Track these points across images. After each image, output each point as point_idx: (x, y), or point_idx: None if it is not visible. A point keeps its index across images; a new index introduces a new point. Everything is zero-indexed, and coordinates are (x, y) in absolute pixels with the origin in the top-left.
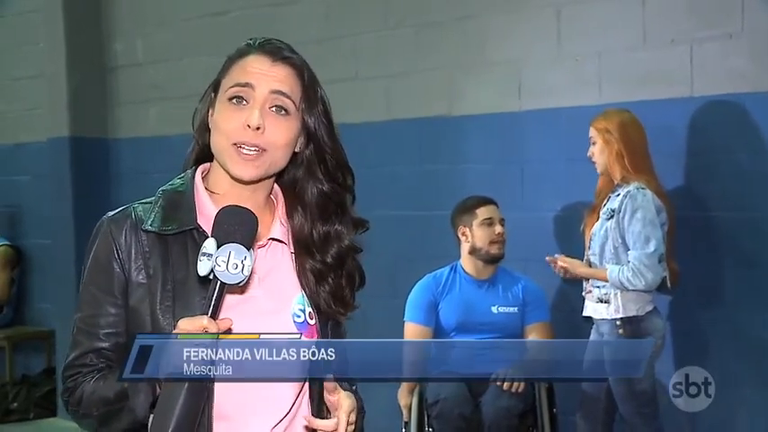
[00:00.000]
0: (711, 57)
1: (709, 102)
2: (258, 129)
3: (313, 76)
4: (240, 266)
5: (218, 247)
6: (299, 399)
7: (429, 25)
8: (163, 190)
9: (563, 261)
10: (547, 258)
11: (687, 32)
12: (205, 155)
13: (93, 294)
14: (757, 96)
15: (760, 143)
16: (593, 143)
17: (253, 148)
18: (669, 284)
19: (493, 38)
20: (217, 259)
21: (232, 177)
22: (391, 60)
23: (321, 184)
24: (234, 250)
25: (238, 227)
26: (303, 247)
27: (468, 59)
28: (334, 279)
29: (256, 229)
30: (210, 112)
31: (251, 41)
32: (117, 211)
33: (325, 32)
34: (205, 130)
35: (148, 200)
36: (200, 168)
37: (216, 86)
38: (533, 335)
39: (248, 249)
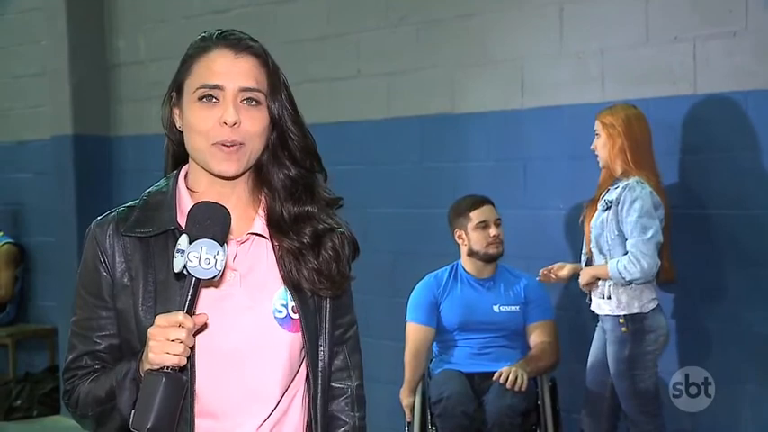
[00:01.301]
0: (715, 54)
1: (712, 99)
2: (235, 124)
3: (275, 63)
4: (213, 261)
5: (191, 243)
6: (286, 395)
7: (431, 23)
8: (148, 192)
9: (559, 270)
10: (542, 273)
11: (690, 30)
12: (181, 153)
13: (85, 299)
14: (760, 94)
15: (764, 141)
16: (597, 135)
17: (231, 144)
18: (656, 280)
19: (495, 35)
20: (189, 255)
21: (215, 175)
22: (393, 58)
23: (287, 169)
24: (206, 246)
25: (210, 222)
26: (277, 228)
27: (471, 57)
28: (315, 257)
29: (229, 224)
30: (176, 112)
31: (206, 35)
32: (103, 215)
33: (327, 30)
34: (173, 129)
35: (133, 202)
36: (184, 168)
37: (179, 87)
38: (536, 333)
39: (222, 244)
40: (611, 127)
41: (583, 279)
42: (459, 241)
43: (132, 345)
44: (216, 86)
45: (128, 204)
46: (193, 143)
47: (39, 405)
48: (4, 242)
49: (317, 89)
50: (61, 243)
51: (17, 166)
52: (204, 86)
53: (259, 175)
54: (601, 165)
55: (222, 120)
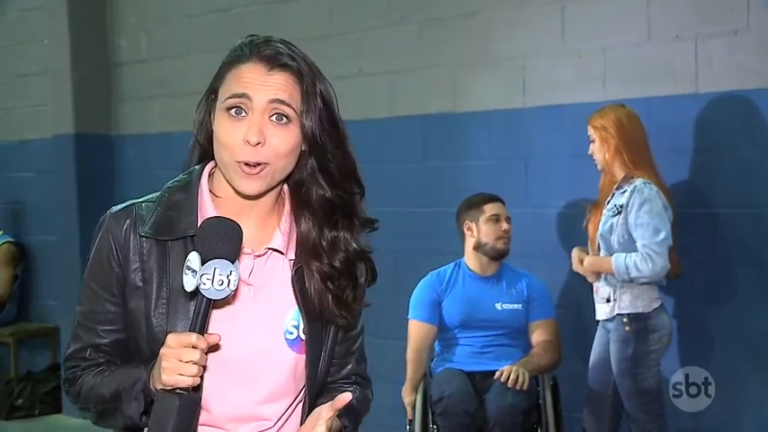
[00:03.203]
0: (717, 53)
1: (714, 98)
2: (258, 144)
3: (314, 79)
4: (226, 282)
5: (203, 263)
6: (289, 409)
7: (433, 21)
8: (168, 187)
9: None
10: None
11: (692, 28)
12: (207, 154)
13: (93, 290)
14: (762, 93)
15: (766, 139)
16: (592, 141)
17: (255, 165)
18: (668, 277)
19: (497, 34)
20: (202, 277)
21: (237, 193)
22: (395, 56)
23: (324, 190)
24: (219, 266)
25: (222, 241)
26: (309, 251)
27: (473, 56)
28: (339, 282)
29: (241, 240)
30: (212, 115)
31: (244, 42)
32: (121, 207)
33: (329, 29)
34: (205, 130)
35: (153, 197)
36: (207, 167)
37: (214, 91)
38: (538, 332)
39: (233, 261)
40: (603, 129)
41: (586, 267)
42: (468, 233)
43: (140, 345)
44: (244, 95)
45: (146, 199)
46: (219, 155)
47: (40, 404)
48: (3, 241)
49: None
50: (63, 242)
51: (19, 164)
52: (233, 96)
53: (299, 192)
54: (600, 169)
55: (245, 138)
